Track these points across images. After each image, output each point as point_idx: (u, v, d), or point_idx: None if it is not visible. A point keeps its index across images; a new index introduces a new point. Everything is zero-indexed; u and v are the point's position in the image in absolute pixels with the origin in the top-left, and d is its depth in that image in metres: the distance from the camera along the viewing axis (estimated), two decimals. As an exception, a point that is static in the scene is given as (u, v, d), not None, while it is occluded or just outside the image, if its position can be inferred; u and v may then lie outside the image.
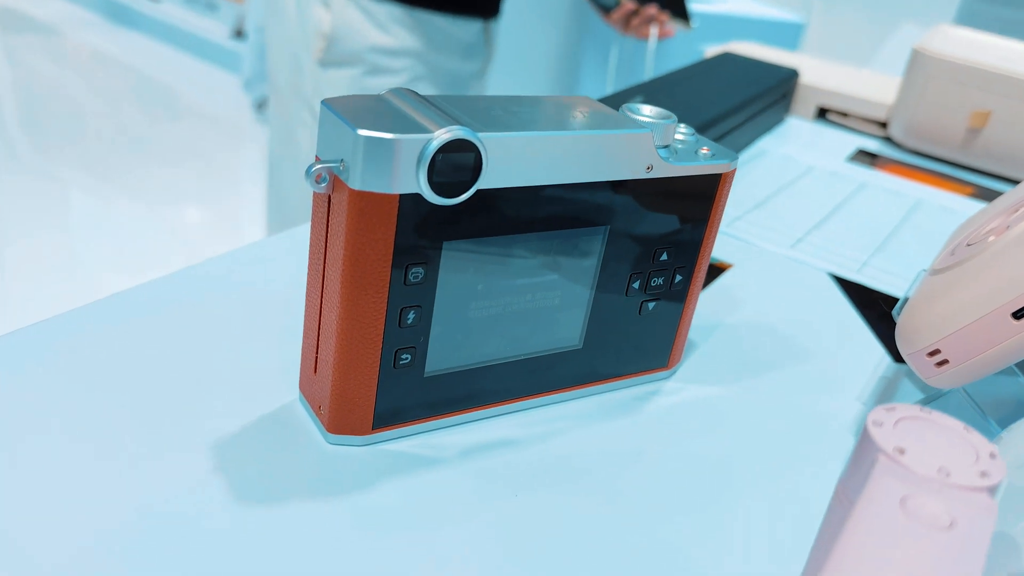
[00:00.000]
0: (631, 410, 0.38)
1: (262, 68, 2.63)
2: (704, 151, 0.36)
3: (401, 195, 0.29)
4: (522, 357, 0.36)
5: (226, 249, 0.46)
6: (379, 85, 1.03)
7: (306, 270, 0.33)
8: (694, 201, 0.37)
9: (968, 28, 0.90)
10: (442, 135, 0.29)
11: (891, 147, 0.85)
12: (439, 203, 0.30)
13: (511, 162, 0.31)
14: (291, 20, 1.04)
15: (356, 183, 0.29)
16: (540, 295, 0.35)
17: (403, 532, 0.30)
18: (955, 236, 0.41)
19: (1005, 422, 0.40)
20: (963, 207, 0.71)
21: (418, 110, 0.30)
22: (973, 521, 0.19)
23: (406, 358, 0.32)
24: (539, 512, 0.32)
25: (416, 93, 0.32)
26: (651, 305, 0.38)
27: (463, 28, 1.08)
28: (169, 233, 2.11)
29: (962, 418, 0.36)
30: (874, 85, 0.91)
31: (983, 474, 0.20)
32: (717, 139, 0.67)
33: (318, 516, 0.30)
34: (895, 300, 0.53)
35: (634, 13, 1.26)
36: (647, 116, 0.35)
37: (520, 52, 1.72)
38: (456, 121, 0.29)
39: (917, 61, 0.80)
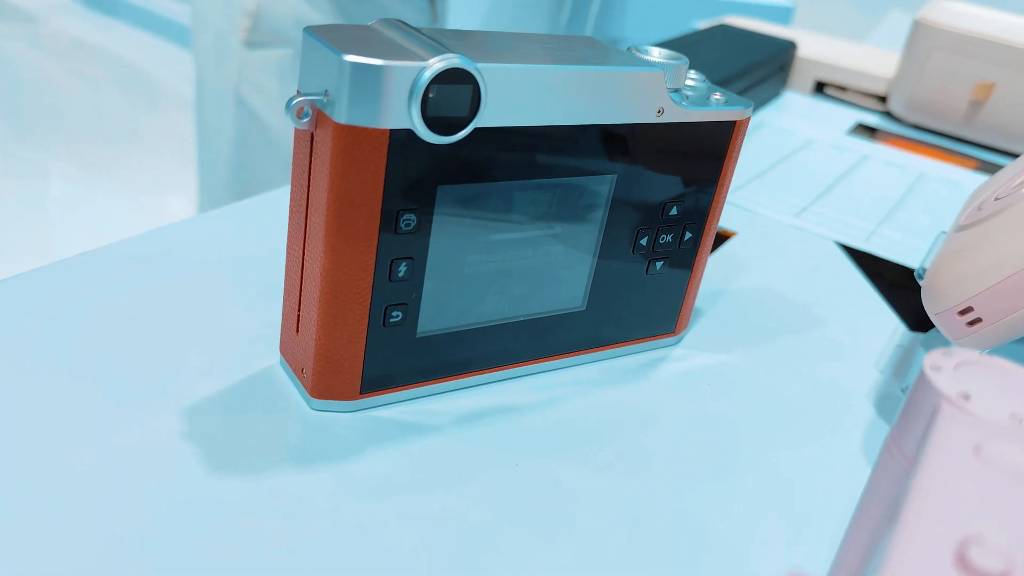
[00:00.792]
0: (637, 376, 0.36)
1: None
2: (717, 97, 0.34)
3: (392, 130, 0.26)
4: (521, 318, 0.33)
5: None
6: None
7: (286, 230, 0.30)
8: (706, 151, 0.34)
9: (967, 2, 0.88)
10: (436, 63, 0.26)
11: (891, 121, 0.82)
12: (433, 141, 0.27)
13: (512, 98, 0.28)
14: None
15: (342, 116, 0.26)
16: (541, 250, 0.32)
17: (394, 503, 0.27)
18: (979, 192, 0.39)
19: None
20: (968, 180, 0.69)
21: (411, 39, 0.27)
22: (1057, 471, 0.16)
23: (397, 315, 0.30)
24: (541, 480, 0.29)
25: (408, 23, 0.29)
26: (659, 265, 0.36)
27: (407, 3, 1.03)
28: (151, 222, 2.07)
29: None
30: (873, 59, 0.88)
31: (1059, 421, 0.18)
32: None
33: (301, 486, 0.27)
34: (906, 269, 0.50)
35: None
36: (657, 57, 0.32)
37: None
38: (453, 49, 0.27)
39: (919, 32, 0.78)
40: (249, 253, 0.39)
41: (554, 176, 0.31)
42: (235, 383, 0.31)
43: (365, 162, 0.26)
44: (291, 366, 0.31)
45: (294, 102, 0.26)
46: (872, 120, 0.82)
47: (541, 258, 0.32)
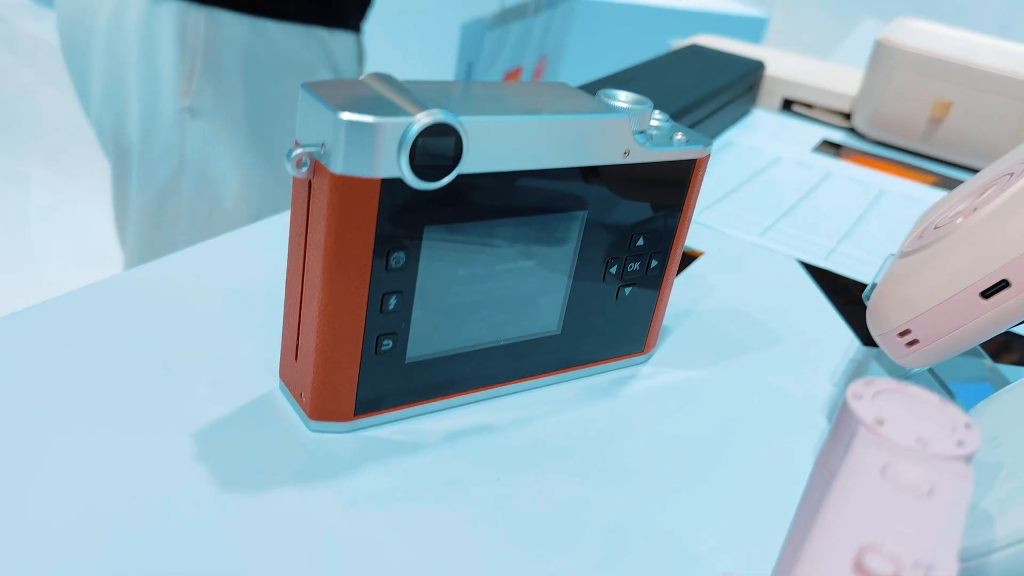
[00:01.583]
0: (609, 394, 0.39)
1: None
2: (679, 136, 0.37)
3: (383, 179, 0.29)
4: (502, 343, 0.36)
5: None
6: (226, 21, 0.86)
7: (286, 259, 0.33)
8: (669, 186, 0.37)
9: (929, 20, 0.92)
10: (423, 118, 0.29)
11: (855, 137, 0.86)
12: (420, 187, 0.30)
13: (491, 146, 0.31)
14: None
15: (338, 167, 0.29)
16: (519, 281, 0.35)
17: (387, 517, 0.30)
18: (922, 220, 0.42)
19: (970, 403, 0.41)
20: (926, 195, 0.72)
21: (398, 94, 0.30)
22: (952, 488, 0.19)
23: (388, 344, 0.33)
24: (521, 495, 0.32)
25: (394, 77, 0.32)
26: (628, 290, 0.39)
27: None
28: (132, 230, 2.08)
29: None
30: (838, 77, 0.92)
31: (960, 443, 0.21)
32: (691, 127, 0.67)
33: (301, 503, 0.30)
34: (862, 285, 0.54)
35: None
36: (623, 102, 0.35)
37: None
38: (437, 105, 0.29)
39: (880, 52, 0.82)
40: (248, 280, 0.42)
41: (530, 214, 0.34)
42: (239, 407, 0.34)
43: (359, 208, 0.29)
44: (290, 390, 0.34)
45: (294, 153, 0.29)
46: (837, 136, 0.85)
47: (519, 287, 0.35)
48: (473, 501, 0.31)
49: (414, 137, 0.29)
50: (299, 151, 0.29)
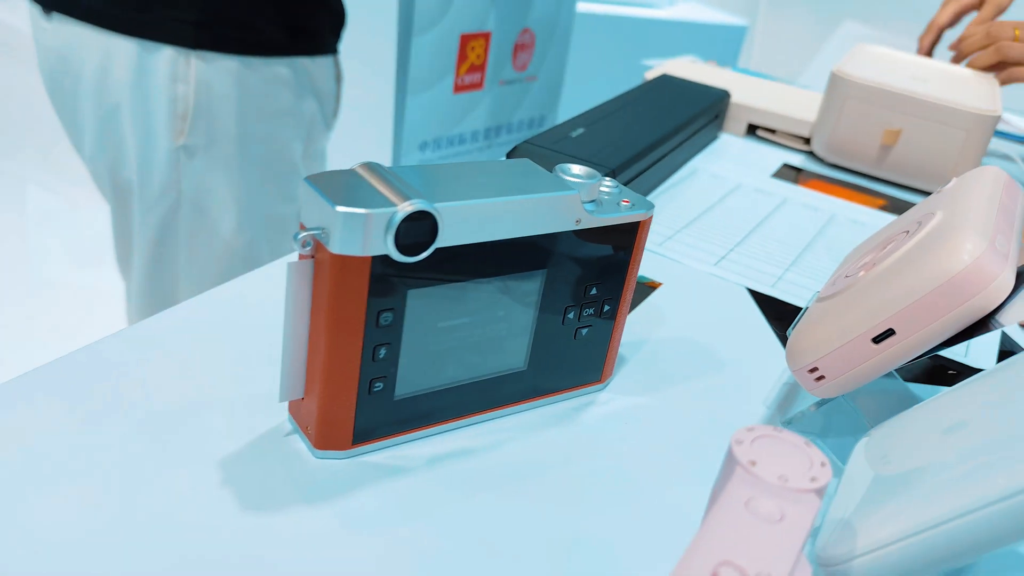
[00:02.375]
0: (567, 420, 0.46)
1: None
2: (625, 202, 0.43)
3: (373, 257, 0.36)
4: (475, 379, 0.43)
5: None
6: (217, 62, 0.93)
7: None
8: (617, 244, 0.44)
9: (887, 46, 0.98)
10: (406, 207, 0.35)
11: (814, 161, 0.93)
12: (404, 261, 0.36)
13: (462, 224, 0.37)
14: None
15: (336, 248, 0.35)
16: (490, 328, 0.42)
17: (382, 531, 0.37)
18: (841, 266, 0.49)
19: (881, 418, 0.48)
20: (872, 219, 0.79)
21: (385, 184, 0.37)
22: (798, 515, 0.26)
23: (379, 386, 0.39)
24: (492, 511, 0.39)
25: (381, 166, 0.38)
26: (584, 331, 0.45)
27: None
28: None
29: (843, 418, 0.44)
30: (799, 103, 0.99)
31: (813, 479, 0.28)
32: (657, 161, 0.74)
33: (309, 521, 0.37)
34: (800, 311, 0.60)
35: None
36: (576, 176, 0.42)
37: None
38: (417, 194, 0.36)
39: (835, 83, 0.88)
40: (251, 324, 0.48)
41: (496, 276, 0.40)
42: (253, 439, 0.40)
43: (354, 280, 0.36)
44: (298, 424, 0.41)
45: (300, 236, 0.36)
46: (797, 160, 0.92)
47: (490, 333, 0.42)
48: (453, 516, 0.38)
49: (398, 223, 0.35)
50: (304, 234, 0.36)
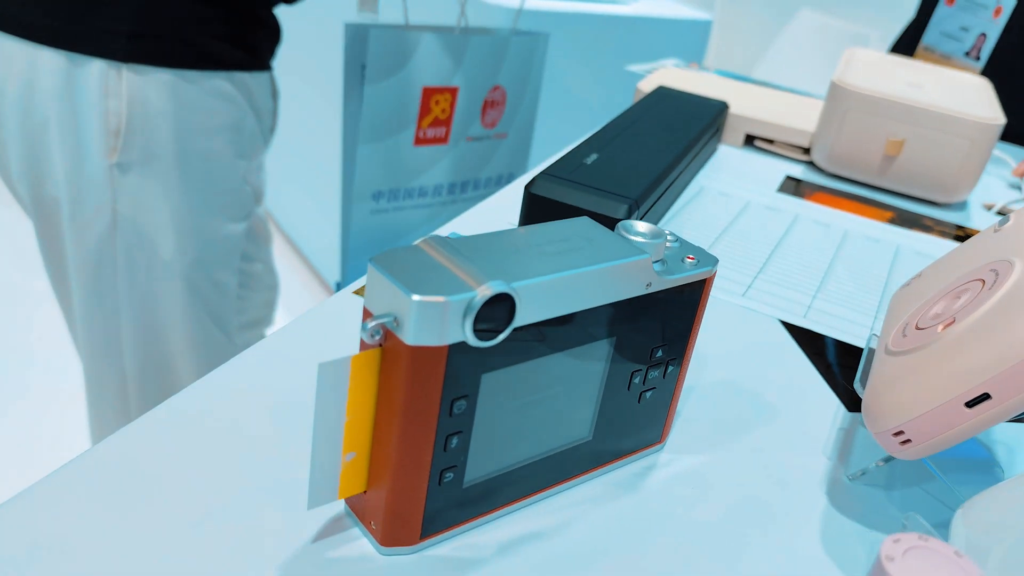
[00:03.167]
0: (632, 488, 0.43)
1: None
2: (690, 259, 0.41)
3: (449, 345, 0.33)
4: (541, 456, 0.40)
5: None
6: (150, 75, 0.88)
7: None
8: (684, 304, 0.41)
9: (878, 51, 0.97)
10: (485, 291, 0.32)
11: (815, 172, 0.91)
12: (481, 346, 0.33)
13: (538, 302, 0.35)
14: None
15: (410, 339, 0.32)
16: (557, 402, 0.39)
17: (463, 637, 0.34)
18: (898, 309, 0.47)
19: (960, 479, 0.46)
20: (884, 235, 0.78)
21: (454, 262, 0.34)
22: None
23: (450, 476, 0.36)
24: (575, 603, 0.36)
25: (443, 239, 0.35)
26: (648, 394, 0.43)
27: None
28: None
29: (907, 467, 0.42)
30: (796, 112, 0.97)
31: (971, 593, 0.26)
32: (671, 184, 0.72)
33: (387, 630, 0.34)
34: (841, 345, 0.59)
35: None
36: (641, 235, 0.39)
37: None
38: (491, 274, 0.33)
39: (835, 94, 0.87)
40: (275, 403, 0.45)
41: (566, 348, 0.37)
42: (312, 536, 0.37)
43: (429, 371, 0.33)
44: (359, 518, 0.38)
45: (369, 325, 0.33)
46: (798, 171, 0.90)
47: (557, 407, 0.39)
48: (534, 614, 0.35)
49: (477, 308, 0.32)
50: (374, 323, 0.33)
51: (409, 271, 0.33)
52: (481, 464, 0.37)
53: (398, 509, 0.36)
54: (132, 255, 0.95)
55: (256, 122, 1.00)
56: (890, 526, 0.44)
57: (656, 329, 0.41)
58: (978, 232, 0.84)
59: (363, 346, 0.34)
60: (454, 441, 0.35)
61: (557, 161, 0.67)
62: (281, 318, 1.04)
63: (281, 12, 1.02)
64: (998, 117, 0.83)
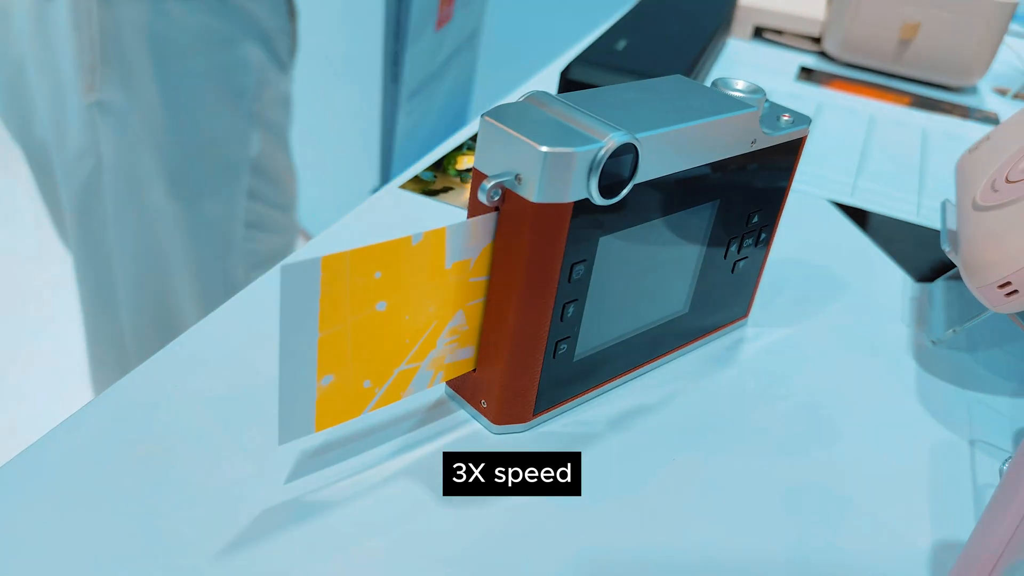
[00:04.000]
0: (728, 362, 0.42)
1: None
2: (785, 118, 0.39)
3: (574, 202, 0.31)
4: (642, 329, 0.38)
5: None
6: (120, 5, 0.79)
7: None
8: (780, 165, 0.40)
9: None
10: (611, 143, 0.30)
11: (826, 61, 0.89)
12: (604, 203, 0.31)
13: (657, 155, 0.33)
14: None
15: (535, 196, 0.30)
16: (658, 272, 0.37)
17: (588, 510, 0.33)
18: (970, 172, 0.46)
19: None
20: (910, 119, 0.77)
21: (569, 116, 0.31)
22: None
23: (564, 347, 0.35)
24: (697, 470, 0.35)
25: (549, 95, 0.33)
26: (742, 264, 0.41)
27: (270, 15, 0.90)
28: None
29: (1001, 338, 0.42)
30: (805, 2, 0.95)
31: None
32: (698, 73, 0.69)
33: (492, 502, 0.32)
34: (894, 222, 0.58)
35: None
36: (740, 91, 0.37)
37: None
38: (613, 125, 0.31)
39: (849, -22, 0.85)
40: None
41: (675, 211, 0.36)
42: (420, 419, 0.35)
43: (553, 231, 0.31)
44: (466, 399, 0.36)
45: (488, 186, 0.30)
46: (809, 62, 0.89)
47: (657, 277, 0.37)
48: (666, 478, 0.34)
49: (603, 160, 0.30)
50: (493, 182, 0.30)
51: (527, 125, 0.31)
52: (590, 336, 0.36)
53: (514, 383, 0.34)
54: (120, 202, 0.88)
55: (262, 50, 0.90)
56: (980, 384, 0.43)
57: (755, 192, 0.39)
58: (997, 114, 0.83)
59: (477, 209, 0.32)
60: (570, 310, 0.34)
61: (590, 46, 0.64)
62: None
63: None
64: (1014, -5, 0.82)
